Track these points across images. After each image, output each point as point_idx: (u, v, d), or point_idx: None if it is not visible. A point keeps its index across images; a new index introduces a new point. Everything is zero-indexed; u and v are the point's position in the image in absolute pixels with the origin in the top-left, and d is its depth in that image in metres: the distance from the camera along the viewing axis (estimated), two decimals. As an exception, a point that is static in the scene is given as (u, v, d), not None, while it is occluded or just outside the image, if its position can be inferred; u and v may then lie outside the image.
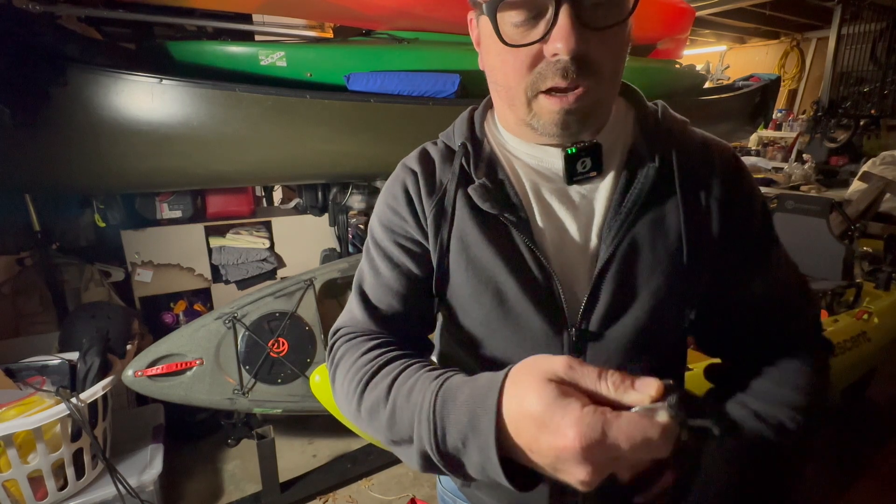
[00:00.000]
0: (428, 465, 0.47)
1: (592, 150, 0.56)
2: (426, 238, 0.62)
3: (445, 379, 0.48)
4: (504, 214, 0.57)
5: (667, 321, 0.58)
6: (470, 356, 0.64)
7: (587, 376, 0.37)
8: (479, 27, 0.55)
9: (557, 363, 0.38)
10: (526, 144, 0.60)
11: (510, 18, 0.49)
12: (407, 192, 0.63)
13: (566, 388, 0.37)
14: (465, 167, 0.61)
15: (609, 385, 0.36)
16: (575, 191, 0.59)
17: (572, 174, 0.57)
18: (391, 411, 0.51)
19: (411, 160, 0.66)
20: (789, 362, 0.58)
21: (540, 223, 0.59)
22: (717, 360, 0.69)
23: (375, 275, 0.65)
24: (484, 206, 0.58)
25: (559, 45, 0.47)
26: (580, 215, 0.58)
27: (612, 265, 0.56)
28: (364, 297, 0.65)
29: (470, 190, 0.59)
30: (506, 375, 0.41)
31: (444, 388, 0.46)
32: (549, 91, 0.50)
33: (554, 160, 0.58)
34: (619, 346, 0.57)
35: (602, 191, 0.58)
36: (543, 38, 0.48)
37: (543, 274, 0.57)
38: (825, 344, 0.62)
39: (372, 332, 0.63)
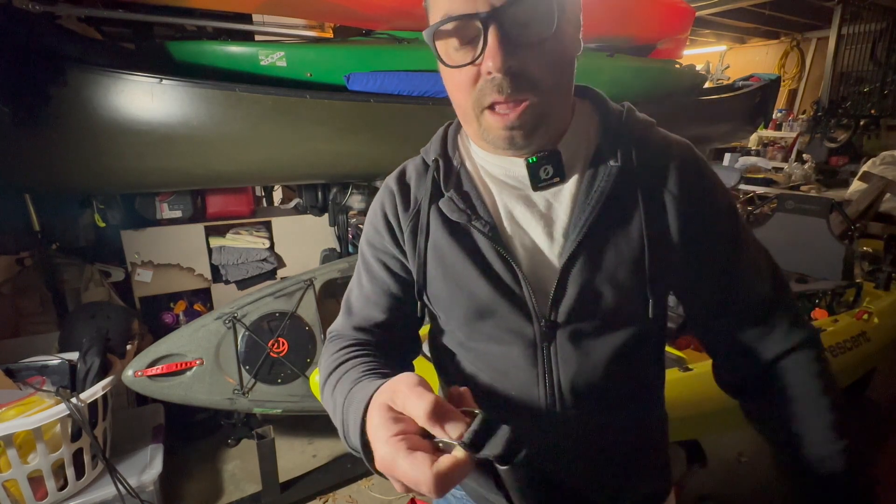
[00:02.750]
0: (350, 451, 0.55)
1: (553, 158, 0.59)
2: (404, 254, 0.68)
3: (357, 383, 0.56)
4: (472, 223, 0.62)
5: (630, 311, 0.62)
6: (455, 351, 0.70)
7: (409, 402, 0.42)
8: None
9: (398, 388, 0.44)
10: (492, 156, 0.64)
11: (451, 44, 0.54)
12: (385, 211, 0.69)
13: (395, 413, 0.43)
14: (437, 181, 0.65)
15: (420, 413, 0.40)
16: (540, 196, 0.62)
17: (536, 181, 0.60)
18: (332, 406, 0.59)
19: (391, 179, 0.71)
20: (799, 369, 0.64)
21: (508, 229, 0.63)
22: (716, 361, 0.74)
23: (360, 287, 0.73)
24: (453, 216, 0.63)
25: (490, 63, 0.51)
26: (546, 218, 0.62)
27: (576, 261, 0.60)
28: (348, 307, 0.73)
29: (440, 203, 0.64)
30: (377, 388, 0.48)
31: (352, 391, 0.55)
32: (492, 107, 0.54)
33: (519, 169, 0.62)
34: (586, 335, 0.62)
35: (566, 194, 0.62)
36: (476, 59, 0.52)
37: (512, 274, 0.62)
38: (812, 331, 0.67)
39: (350, 337, 0.70)
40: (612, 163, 0.60)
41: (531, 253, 0.62)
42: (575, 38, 0.58)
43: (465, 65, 0.53)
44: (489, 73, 0.52)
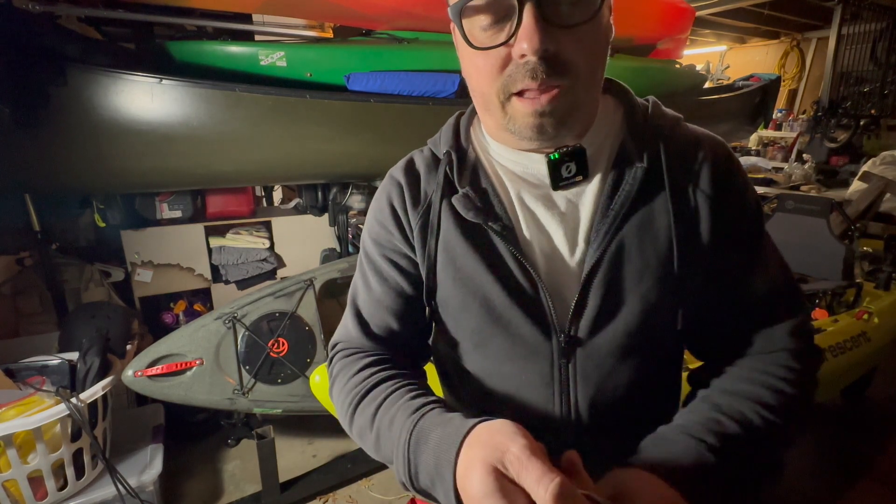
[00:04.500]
0: (407, 490, 0.51)
1: (576, 155, 0.55)
2: (414, 251, 0.62)
3: (420, 416, 0.50)
4: (488, 223, 0.57)
5: (658, 325, 0.57)
6: (464, 363, 0.64)
7: (528, 475, 0.37)
8: (456, 35, 0.54)
9: (511, 449, 0.39)
10: (509, 150, 0.59)
11: (478, 22, 0.49)
12: (392, 205, 0.63)
13: (505, 483, 0.38)
14: (450, 176, 0.60)
15: (544, 495, 0.36)
16: (561, 196, 0.58)
17: (557, 179, 0.56)
18: (376, 437, 0.55)
19: (397, 171, 0.65)
20: (770, 365, 0.56)
21: (526, 231, 0.58)
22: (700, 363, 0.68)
23: (367, 290, 0.66)
24: (468, 215, 0.57)
25: (524, 44, 0.46)
26: (567, 221, 0.57)
27: (599, 270, 0.55)
28: (357, 313, 0.66)
29: (454, 200, 0.58)
30: (467, 432, 0.44)
31: (418, 428, 0.49)
32: (521, 93, 0.50)
33: (538, 166, 0.57)
34: (609, 351, 0.56)
35: (589, 195, 0.57)
36: (509, 40, 0.47)
37: (530, 282, 0.57)
38: (814, 351, 0.60)
39: (365, 349, 0.64)
40: (638, 164, 0.55)
41: (550, 258, 0.57)
42: (610, 22, 0.53)
43: (495, 46, 0.48)
44: (522, 55, 0.47)
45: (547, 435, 0.58)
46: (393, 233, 0.63)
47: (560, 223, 0.57)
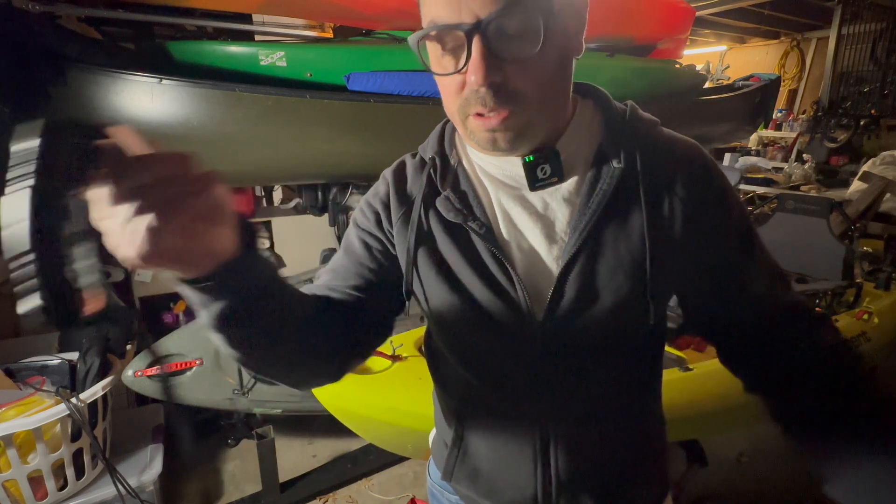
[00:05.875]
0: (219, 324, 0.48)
1: (550, 157, 0.58)
2: (388, 239, 0.66)
3: None
4: (468, 223, 0.60)
5: (631, 319, 0.60)
6: (449, 354, 0.68)
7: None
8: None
9: None
10: (488, 155, 0.62)
11: (435, 51, 0.53)
12: (379, 198, 0.68)
13: None
14: (433, 179, 0.64)
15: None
16: (538, 196, 0.61)
17: (533, 181, 0.59)
18: None
19: (388, 171, 0.70)
20: (790, 329, 0.61)
21: (504, 230, 0.61)
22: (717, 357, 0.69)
23: (336, 257, 0.70)
24: (448, 216, 0.61)
25: (472, 77, 0.50)
26: (544, 220, 0.60)
27: (574, 266, 0.58)
28: (317, 278, 0.70)
29: (437, 202, 0.63)
30: None
31: None
32: (476, 114, 0.53)
33: (516, 168, 0.60)
34: (584, 343, 0.60)
35: (565, 195, 0.60)
36: (463, 68, 0.51)
37: (507, 277, 0.60)
38: (819, 314, 0.64)
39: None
40: (615, 164, 0.58)
41: (528, 256, 0.60)
42: (572, 44, 0.55)
43: (450, 73, 0.52)
44: (473, 85, 0.51)
45: (526, 421, 0.63)
46: (370, 219, 0.67)
47: (537, 222, 0.60)
